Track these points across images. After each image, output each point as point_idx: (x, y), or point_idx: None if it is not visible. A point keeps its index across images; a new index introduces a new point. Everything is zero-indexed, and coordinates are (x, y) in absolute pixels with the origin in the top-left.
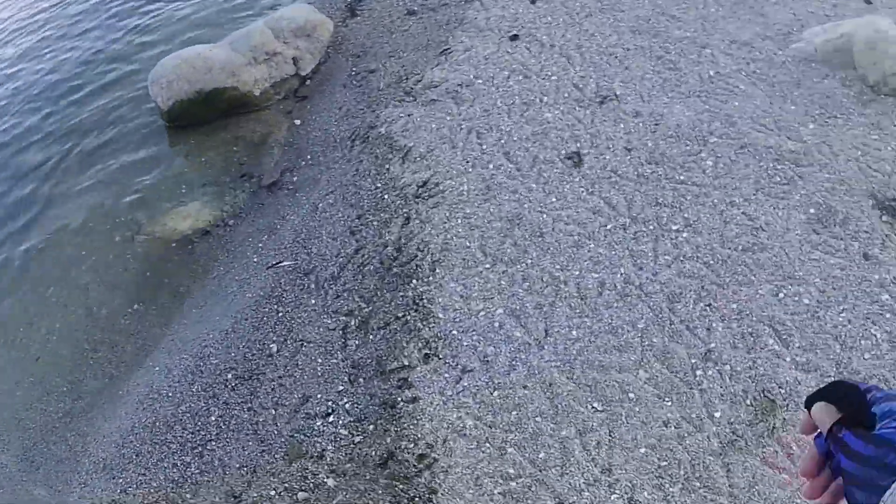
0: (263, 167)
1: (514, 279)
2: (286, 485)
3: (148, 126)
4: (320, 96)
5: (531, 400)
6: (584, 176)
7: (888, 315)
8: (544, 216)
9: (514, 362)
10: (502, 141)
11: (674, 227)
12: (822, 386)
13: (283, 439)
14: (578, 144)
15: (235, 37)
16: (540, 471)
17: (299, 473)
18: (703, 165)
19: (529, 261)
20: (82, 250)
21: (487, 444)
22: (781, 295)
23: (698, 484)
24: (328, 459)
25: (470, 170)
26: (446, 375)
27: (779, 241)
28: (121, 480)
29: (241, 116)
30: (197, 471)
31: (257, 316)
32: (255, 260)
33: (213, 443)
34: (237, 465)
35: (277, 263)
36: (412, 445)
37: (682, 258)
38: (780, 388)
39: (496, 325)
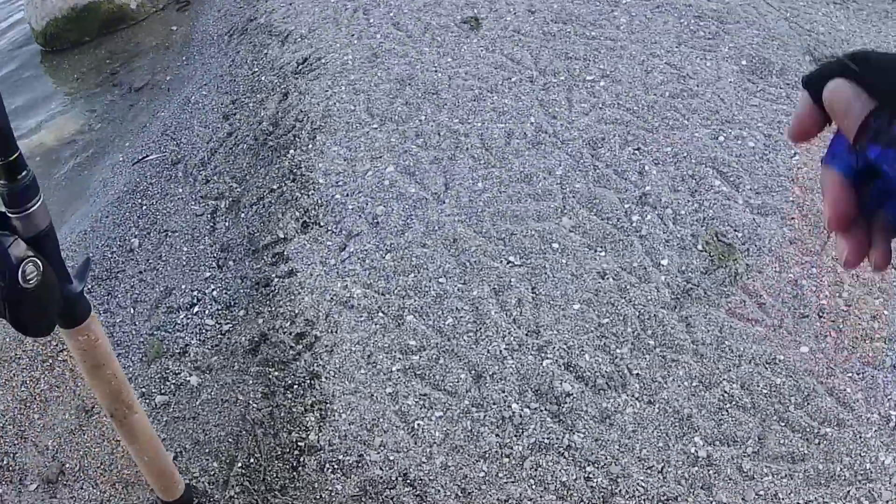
0: (136, 74)
1: (406, 136)
2: (143, 389)
3: (22, 52)
4: (200, 4)
5: (432, 259)
6: (483, 37)
7: None
8: (439, 75)
9: (409, 220)
10: (391, 14)
11: (588, 78)
12: (837, 58)
13: (141, 339)
14: (476, 10)
15: None
16: (448, 339)
17: (158, 375)
18: (617, 23)
19: (423, 117)
20: None
21: (381, 314)
22: (722, 138)
23: (653, 342)
24: (192, 355)
25: (355, 42)
26: (329, 243)
27: (710, 89)
28: None
29: (118, 33)
30: (46, 386)
31: (119, 212)
32: (121, 159)
33: (66, 352)
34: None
35: (143, 158)
36: (288, 324)
37: (601, 105)
38: (735, 231)
39: (386, 183)
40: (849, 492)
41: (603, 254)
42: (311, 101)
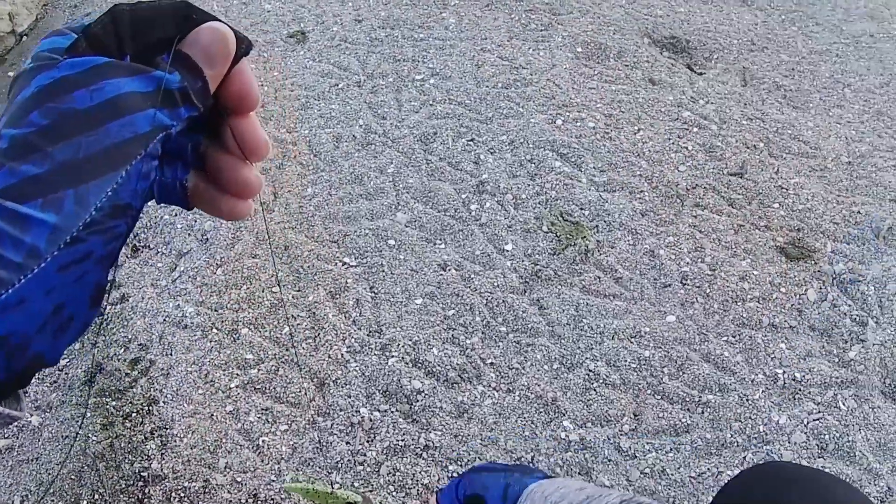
0: None
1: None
2: None
3: None
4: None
5: (263, 269)
6: (310, 49)
7: (695, 129)
8: (266, 88)
9: (238, 232)
10: None
11: (417, 77)
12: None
13: None
14: (302, 25)
15: None
16: (286, 349)
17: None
18: (446, 24)
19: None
20: None
21: (215, 330)
22: (560, 122)
23: (504, 329)
24: (31, 395)
25: None
26: (159, 265)
27: (545, 76)
28: None
29: None
30: None
31: None
32: None
33: None
34: None
35: None
36: (122, 351)
37: (431, 102)
38: (581, 209)
39: None
40: (745, 457)
41: (443, 246)
42: None
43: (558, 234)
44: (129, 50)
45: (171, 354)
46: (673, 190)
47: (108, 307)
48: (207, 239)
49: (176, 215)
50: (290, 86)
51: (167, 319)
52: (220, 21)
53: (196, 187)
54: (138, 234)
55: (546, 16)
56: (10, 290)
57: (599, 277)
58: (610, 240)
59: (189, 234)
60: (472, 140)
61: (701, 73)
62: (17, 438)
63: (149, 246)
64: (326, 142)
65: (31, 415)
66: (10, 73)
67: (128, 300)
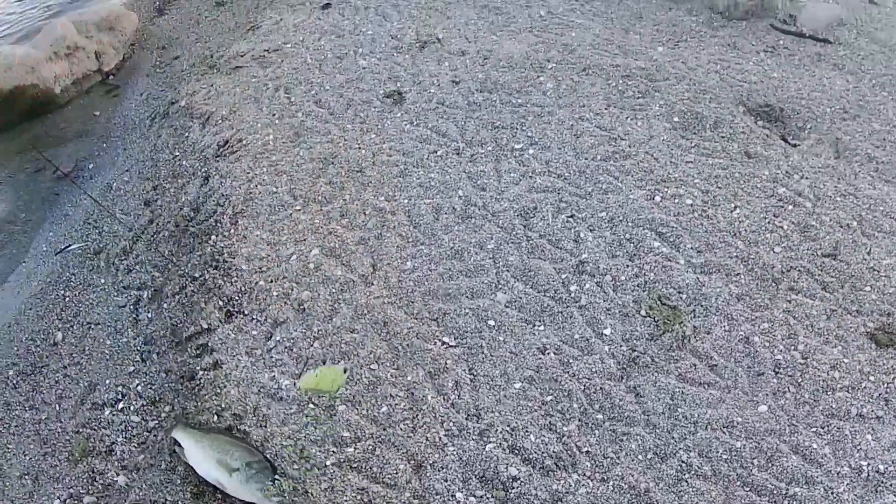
0: (59, 159)
1: (331, 216)
2: (70, 490)
3: None
4: (123, 88)
5: (362, 344)
6: (407, 111)
7: (790, 207)
8: (363, 151)
9: (336, 304)
10: (312, 92)
11: (517, 146)
12: None
13: (67, 437)
14: (399, 84)
15: (36, 31)
16: (384, 429)
17: (86, 475)
18: (544, 88)
19: (348, 196)
20: None
21: (311, 405)
22: (658, 198)
23: (601, 416)
24: (118, 454)
25: (276, 121)
26: (254, 332)
27: (643, 148)
28: None
29: (41, 117)
30: None
31: (42, 304)
32: (45, 249)
33: None
34: (17, 475)
35: (65, 248)
36: (215, 419)
37: (531, 174)
38: (679, 293)
39: (311, 266)
40: None
41: (542, 328)
42: (233, 184)
43: (656, 318)
44: None
45: (265, 427)
46: (768, 273)
47: (201, 372)
48: (304, 309)
49: (271, 281)
50: (388, 150)
51: (262, 391)
52: None
53: None
54: (232, 297)
55: (643, 82)
56: None
57: (695, 365)
58: (706, 325)
59: (285, 303)
60: (571, 216)
61: (795, 145)
62: (103, 496)
63: (243, 312)
64: (426, 213)
65: (118, 474)
66: (96, 113)
67: (221, 367)
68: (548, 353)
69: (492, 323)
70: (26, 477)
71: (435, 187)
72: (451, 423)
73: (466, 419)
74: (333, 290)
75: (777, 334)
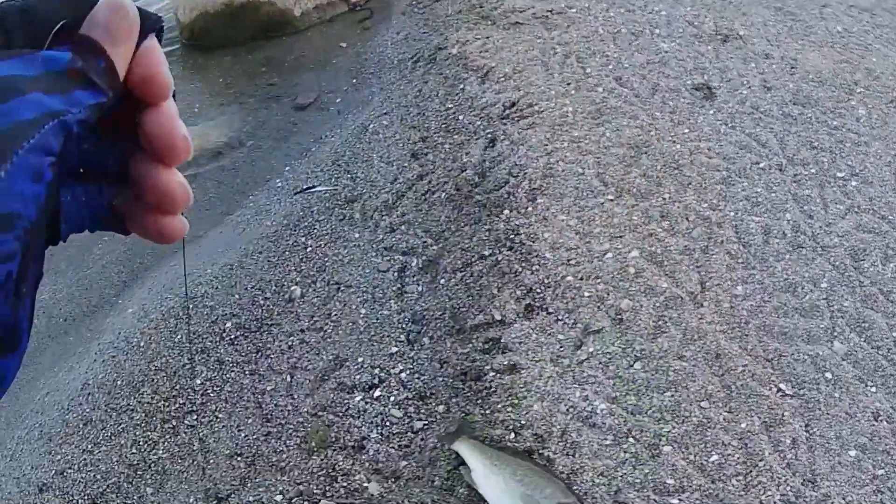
0: (298, 88)
1: (650, 215)
2: (301, 486)
3: (164, 45)
4: (375, 23)
5: (692, 376)
6: (720, 109)
7: None
8: (678, 146)
9: (661, 322)
10: (610, 66)
11: (839, 174)
12: None
13: (300, 418)
14: (706, 77)
15: None
16: (712, 481)
17: (323, 471)
18: (856, 114)
19: (667, 195)
20: None
21: (631, 440)
22: None
23: None
24: (371, 453)
25: (572, 92)
26: (560, 337)
27: None
28: (59, 458)
29: (275, 39)
30: (166, 454)
31: (275, 249)
32: (280, 185)
33: (195, 416)
34: (227, 452)
35: (309, 188)
36: (512, 436)
37: (856, 209)
38: None
39: (631, 271)
40: None
41: (874, 390)
42: (528, 153)
43: None
44: (18, 43)
45: (574, 456)
46: None
47: (492, 374)
48: (622, 319)
49: (582, 279)
50: (707, 151)
51: (572, 411)
52: None
53: (127, 207)
54: (533, 288)
55: None
56: None
57: None
58: None
59: (599, 308)
60: None
61: None
62: (346, 501)
63: (547, 309)
64: (755, 232)
65: (369, 480)
66: (342, 44)
67: (520, 372)
68: (881, 421)
69: (829, 376)
70: (238, 458)
71: (762, 204)
72: (787, 488)
73: (802, 484)
74: (658, 305)
75: None
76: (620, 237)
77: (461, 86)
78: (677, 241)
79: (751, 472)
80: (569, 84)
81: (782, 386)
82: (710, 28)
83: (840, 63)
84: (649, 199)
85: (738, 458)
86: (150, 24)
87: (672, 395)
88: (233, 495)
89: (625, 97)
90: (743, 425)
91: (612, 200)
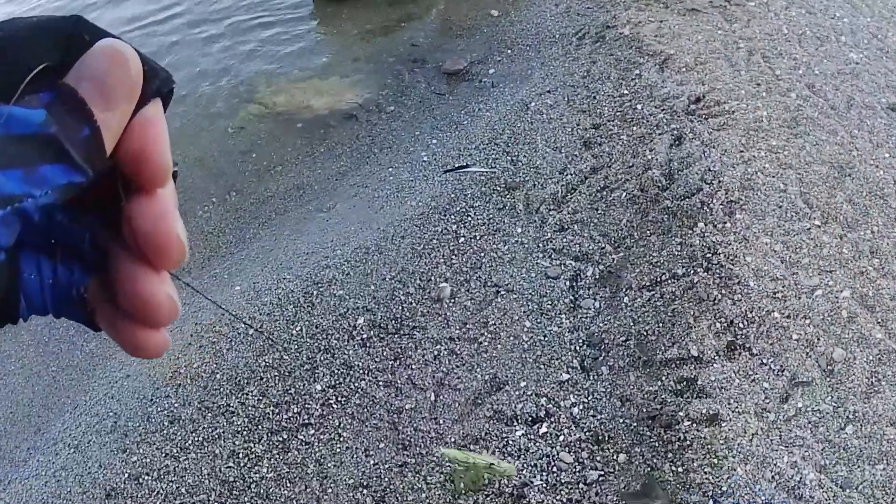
0: (445, 53)
1: (860, 250)
2: None
3: None
4: None
5: None
6: None
7: None
8: (881, 173)
9: (877, 379)
10: (800, 71)
11: None
12: None
13: (443, 447)
14: None
15: None
16: None
17: None
18: None
19: (875, 228)
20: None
21: None
22: None
23: None
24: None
25: (763, 94)
26: (764, 385)
27: None
28: (134, 459)
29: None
30: (272, 474)
31: (421, 235)
32: (426, 159)
33: (312, 431)
34: (351, 482)
35: (461, 167)
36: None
37: None
38: None
39: (844, 315)
40: None
41: None
42: (722, 159)
43: None
44: None
45: None
46: None
47: (687, 424)
48: (834, 371)
49: (789, 318)
50: None
51: (777, 479)
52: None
53: (97, 302)
54: (735, 322)
55: None
56: None
57: None
58: None
59: (809, 355)
60: None
61: None
62: None
63: (751, 349)
64: None
65: None
66: (493, 12)
67: (720, 426)
68: None
69: None
70: (364, 491)
71: None
72: None
73: None
74: (871, 357)
75: None
76: (831, 272)
77: (636, 71)
78: (889, 285)
79: None
80: (759, 84)
81: None
82: (894, 43)
83: None
84: (857, 231)
85: None
86: (155, 86)
87: (885, 469)
88: None
89: (820, 108)
90: None
91: (819, 227)
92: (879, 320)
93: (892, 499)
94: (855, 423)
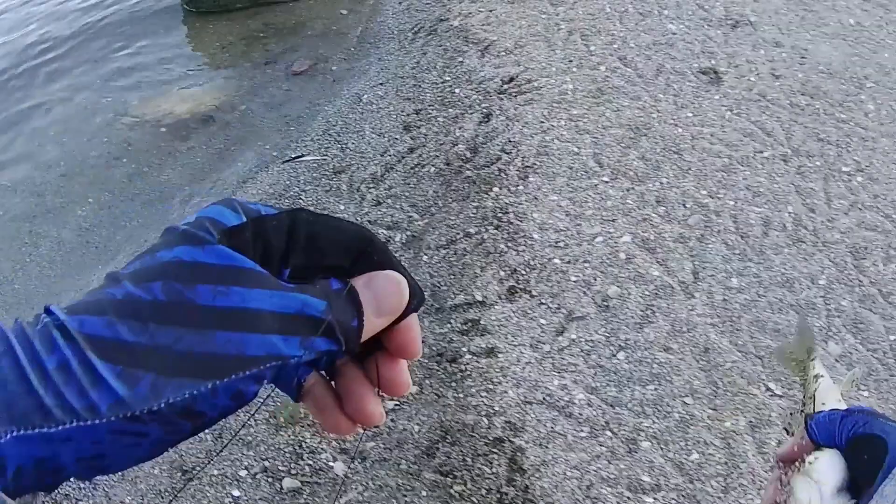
0: (295, 55)
1: (646, 200)
2: (266, 462)
3: (162, 10)
4: None
5: (678, 370)
6: (726, 95)
7: None
8: (679, 130)
9: (649, 312)
10: (615, 45)
11: (844, 169)
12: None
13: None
14: (714, 62)
15: None
16: (691, 481)
17: (290, 448)
18: (865, 108)
19: (665, 180)
20: (55, 131)
21: (608, 433)
22: None
23: None
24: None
25: (574, 69)
26: (542, 321)
27: None
28: None
29: (276, 6)
30: None
31: None
32: (269, 152)
33: None
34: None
35: (298, 157)
36: (485, 423)
37: (860, 206)
38: None
39: (621, 256)
40: None
41: (866, 394)
42: (523, 130)
43: None
44: (294, 262)
45: (546, 447)
46: None
47: (469, 356)
48: (609, 307)
49: (569, 262)
50: (709, 137)
51: (548, 400)
52: (400, 271)
53: (312, 389)
54: (517, 270)
55: None
56: (59, 428)
57: None
58: None
59: (585, 293)
60: None
61: None
62: (310, 483)
63: (530, 292)
64: (754, 223)
65: (335, 459)
66: (342, 11)
67: (497, 357)
68: None
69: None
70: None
71: (763, 195)
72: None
73: None
74: (647, 293)
75: None
76: (613, 221)
77: (460, 59)
78: (672, 228)
79: (731, 473)
80: (571, 61)
81: (771, 385)
82: (721, 13)
83: (851, 56)
84: (646, 183)
85: (720, 458)
86: (415, 303)
87: (655, 389)
88: (197, 468)
89: (628, 77)
90: (727, 424)
91: (606, 182)
92: (659, 260)
93: (664, 415)
94: (627, 350)
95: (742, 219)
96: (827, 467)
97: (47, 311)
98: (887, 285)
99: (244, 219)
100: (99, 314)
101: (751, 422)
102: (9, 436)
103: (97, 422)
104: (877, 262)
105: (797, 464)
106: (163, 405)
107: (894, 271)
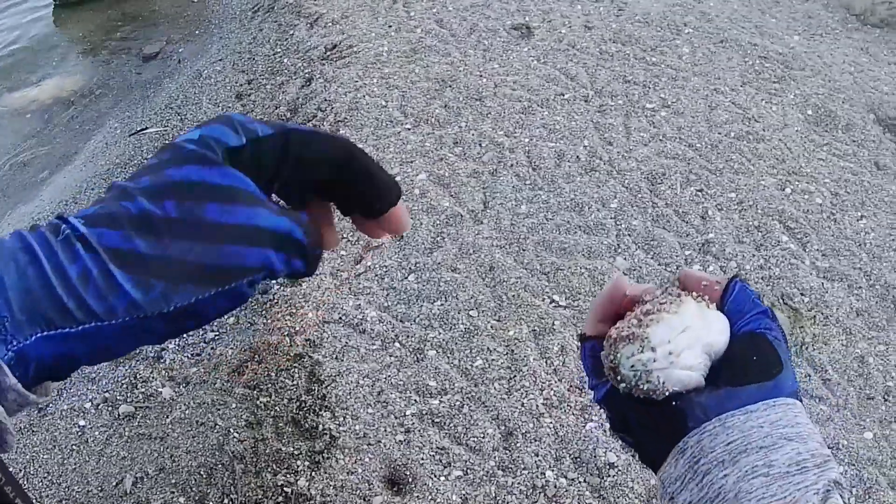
0: (148, 40)
1: (444, 142)
2: (106, 394)
3: (32, 6)
4: None
5: (463, 287)
6: (535, 47)
7: None
8: (484, 80)
9: (439, 238)
10: (434, 10)
11: (648, 105)
12: None
13: None
14: (528, 18)
15: None
16: (476, 384)
17: (126, 379)
18: (680, 52)
19: (464, 124)
20: None
21: (397, 345)
22: (788, 190)
23: None
24: (167, 362)
25: (392, 33)
26: (343, 253)
27: (777, 134)
28: None
29: None
30: None
31: (106, 185)
32: (117, 128)
33: None
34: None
35: (141, 130)
36: (287, 341)
37: (661, 137)
38: (802, 295)
39: (416, 192)
40: None
41: None
42: (338, 90)
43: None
44: (284, 176)
45: (341, 360)
46: (889, 293)
47: (276, 287)
48: (403, 237)
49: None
50: (512, 84)
51: (343, 319)
52: (379, 174)
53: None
54: None
55: (779, 67)
56: (79, 328)
57: (809, 375)
58: (825, 335)
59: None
60: (700, 191)
61: None
62: (142, 408)
63: None
64: (547, 157)
65: (164, 385)
66: None
67: (301, 285)
68: None
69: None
70: None
71: (559, 132)
72: (551, 392)
73: (568, 391)
74: (438, 222)
75: (892, 359)
76: (411, 162)
77: (291, 31)
78: (467, 165)
79: (514, 376)
80: (390, 27)
81: (556, 297)
82: None
83: (673, 7)
84: (445, 129)
85: (503, 363)
86: (397, 195)
87: (441, 304)
88: (50, 406)
89: (441, 37)
90: (511, 332)
91: (409, 129)
92: (452, 193)
93: (449, 327)
94: (417, 273)
95: (535, 153)
96: (721, 324)
97: (63, 220)
98: (683, 206)
99: (244, 140)
100: (116, 228)
101: (534, 330)
102: (34, 337)
103: (114, 322)
104: (674, 186)
105: (693, 294)
106: (172, 308)
107: (693, 194)
